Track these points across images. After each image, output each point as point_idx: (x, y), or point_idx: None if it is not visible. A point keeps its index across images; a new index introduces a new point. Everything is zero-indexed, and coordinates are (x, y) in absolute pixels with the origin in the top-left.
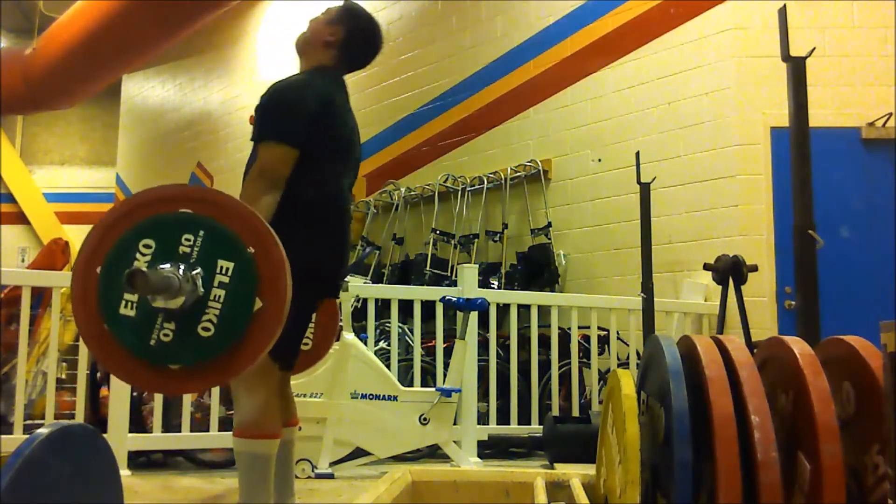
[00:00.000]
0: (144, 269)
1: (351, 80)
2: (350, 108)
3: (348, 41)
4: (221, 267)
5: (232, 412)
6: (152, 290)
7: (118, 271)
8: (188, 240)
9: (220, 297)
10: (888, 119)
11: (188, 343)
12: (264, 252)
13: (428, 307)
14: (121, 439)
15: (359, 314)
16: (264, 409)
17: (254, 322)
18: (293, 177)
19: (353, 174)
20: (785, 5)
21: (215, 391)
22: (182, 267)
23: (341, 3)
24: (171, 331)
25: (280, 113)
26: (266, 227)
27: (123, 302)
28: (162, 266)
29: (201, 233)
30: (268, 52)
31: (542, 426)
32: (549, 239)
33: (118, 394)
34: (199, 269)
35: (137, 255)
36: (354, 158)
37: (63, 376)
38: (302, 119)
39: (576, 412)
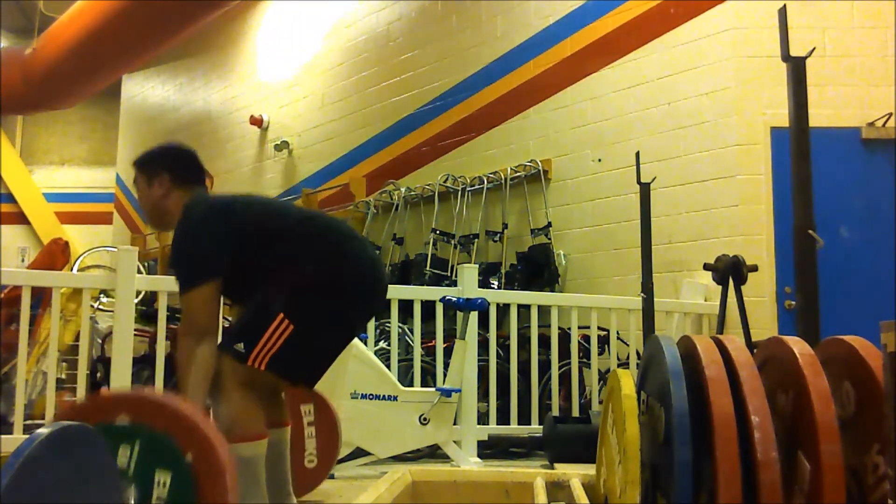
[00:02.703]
0: None
1: (351, 79)
2: (240, 194)
3: (174, 173)
4: (159, 479)
5: None
6: None
7: None
8: (125, 452)
9: None
10: (888, 119)
11: None
12: (203, 457)
13: (428, 307)
14: None
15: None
16: (241, 412)
17: None
18: (275, 255)
19: (315, 212)
20: (785, 5)
21: None
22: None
23: (138, 166)
24: None
25: (184, 261)
26: (203, 430)
27: None
28: None
29: (137, 442)
30: (268, 52)
31: (542, 426)
32: (549, 239)
33: None
34: (132, 489)
35: None
36: (294, 206)
37: (63, 376)
38: (209, 244)
39: (576, 412)
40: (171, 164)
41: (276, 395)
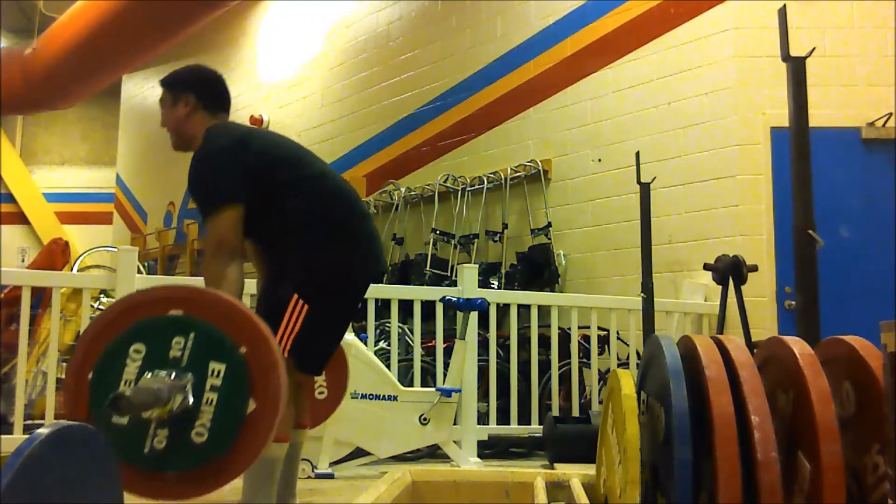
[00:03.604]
0: (127, 390)
1: (351, 79)
2: (263, 130)
3: (200, 94)
4: (213, 369)
5: None
6: (138, 409)
7: (109, 379)
8: (178, 343)
9: (212, 400)
10: (888, 119)
11: (182, 449)
12: (257, 351)
13: (428, 307)
14: None
15: (359, 314)
16: None
17: (247, 424)
18: (274, 209)
19: (328, 169)
20: (785, 5)
21: None
22: (172, 374)
23: (165, 84)
24: (164, 438)
25: (206, 183)
26: (258, 325)
27: None
28: (152, 372)
29: (192, 335)
30: (268, 52)
31: (542, 426)
32: (549, 239)
33: None
34: (189, 376)
35: (128, 361)
36: (307, 153)
37: (63, 376)
38: (228, 172)
39: (576, 412)
40: (199, 86)
41: (299, 394)
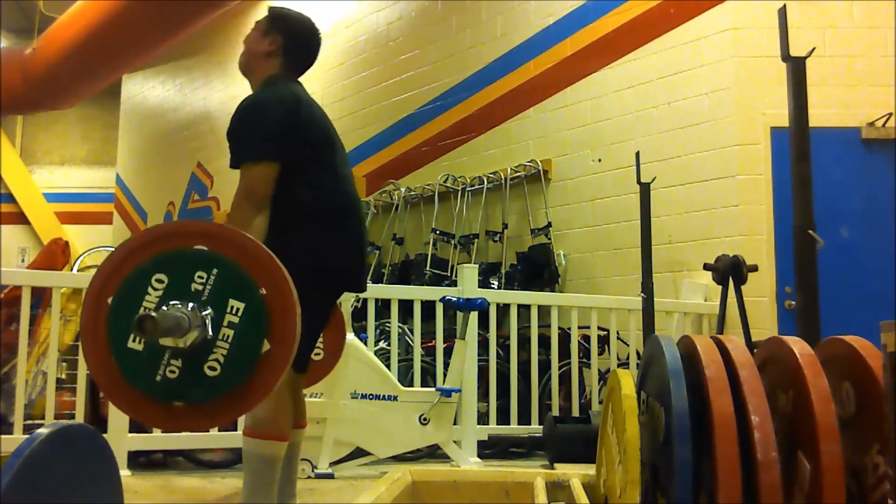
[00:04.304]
0: (154, 312)
1: (351, 80)
2: (316, 104)
3: (289, 44)
4: (232, 307)
5: None
6: (162, 333)
7: (129, 304)
8: (201, 277)
9: (228, 336)
10: (888, 119)
11: (194, 381)
12: (276, 294)
13: (428, 307)
14: (121, 439)
15: (359, 314)
16: (277, 411)
17: (260, 364)
18: (288, 184)
19: (347, 171)
20: (785, 5)
21: None
22: (192, 306)
23: (269, 14)
24: (177, 368)
25: (250, 131)
26: (280, 269)
27: (132, 336)
28: (173, 303)
29: (215, 271)
30: None
31: (542, 426)
32: (549, 239)
33: None
34: (209, 310)
35: (149, 290)
36: (340, 146)
37: (63, 376)
38: (273, 130)
39: (576, 412)
40: (294, 36)
41: (297, 393)
